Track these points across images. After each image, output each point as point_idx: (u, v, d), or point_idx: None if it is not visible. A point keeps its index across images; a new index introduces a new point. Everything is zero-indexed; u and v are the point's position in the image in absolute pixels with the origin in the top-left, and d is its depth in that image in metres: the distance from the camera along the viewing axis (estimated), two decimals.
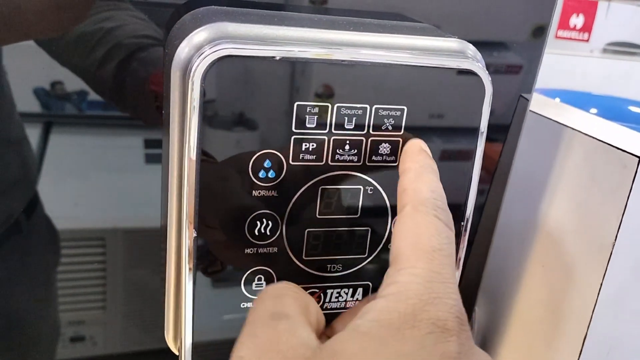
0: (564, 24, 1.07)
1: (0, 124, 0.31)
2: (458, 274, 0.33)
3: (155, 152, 0.31)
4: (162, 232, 0.31)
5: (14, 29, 0.28)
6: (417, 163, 0.27)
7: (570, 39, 1.08)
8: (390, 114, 0.29)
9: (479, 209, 0.42)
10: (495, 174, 0.42)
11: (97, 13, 0.29)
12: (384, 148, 0.29)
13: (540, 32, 0.39)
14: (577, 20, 1.07)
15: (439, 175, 0.28)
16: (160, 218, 0.31)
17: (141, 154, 0.33)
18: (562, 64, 0.97)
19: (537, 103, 0.48)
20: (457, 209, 0.32)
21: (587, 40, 1.08)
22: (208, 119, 0.26)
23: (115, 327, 0.37)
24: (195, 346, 0.29)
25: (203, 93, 0.25)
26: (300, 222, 0.29)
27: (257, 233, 0.29)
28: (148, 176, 0.33)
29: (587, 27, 1.08)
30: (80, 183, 0.33)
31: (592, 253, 0.41)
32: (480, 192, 0.35)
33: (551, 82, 0.86)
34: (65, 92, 0.30)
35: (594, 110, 0.78)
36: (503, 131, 0.41)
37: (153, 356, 0.38)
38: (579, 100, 0.76)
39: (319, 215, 0.30)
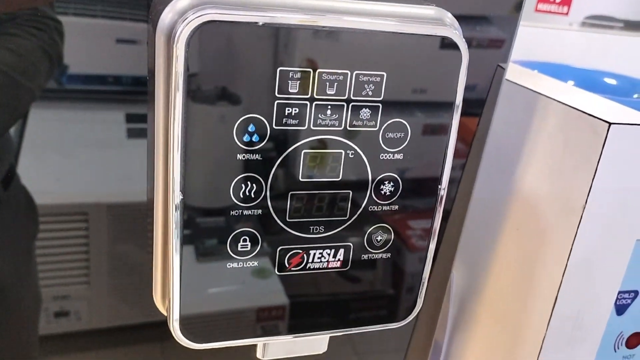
0: None
1: None
2: (434, 242, 0.35)
3: (137, 126, 0.32)
4: (147, 195, 0.31)
5: None
6: None
7: (550, 12, 1.09)
8: (370, 79, 0.29)
9: (456, 172, 0.44)
10: (473, 142, 0.43)
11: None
12: (365, 113, 0.30)
13: (519, 7, 0.40)
14: None
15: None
16: (147, 181, 0.32)
17: (123, 128, 0.33)
18: (541, 36, 0.98)
19: (514, 73, 0.50)
20: (434, 170, 0.33)
21: (567, 14, 1.09)
22: (193, 84, 0.27)
23: (100, 302, 0.38)
24: (183, 300, 0.30)
25: (187, 58, 0.26)
26: (283, 185, 0.30)
27: (242, 195, 0.30)
28: (130, 151, 0.33)
29: (566, 1, 1.09)
30: (62, 158, 0.33)
31: (564, 216, 0.42)
32: (457, 155, 0.36)
33: (531, 54, 0.87)
34: None
35: (571, 82, 0.80)
36: (480, 102, 0.42)
37: (138, 330, 0.39)
38: (557, 72, 0.77)
39: (301, 178, 0.31)
